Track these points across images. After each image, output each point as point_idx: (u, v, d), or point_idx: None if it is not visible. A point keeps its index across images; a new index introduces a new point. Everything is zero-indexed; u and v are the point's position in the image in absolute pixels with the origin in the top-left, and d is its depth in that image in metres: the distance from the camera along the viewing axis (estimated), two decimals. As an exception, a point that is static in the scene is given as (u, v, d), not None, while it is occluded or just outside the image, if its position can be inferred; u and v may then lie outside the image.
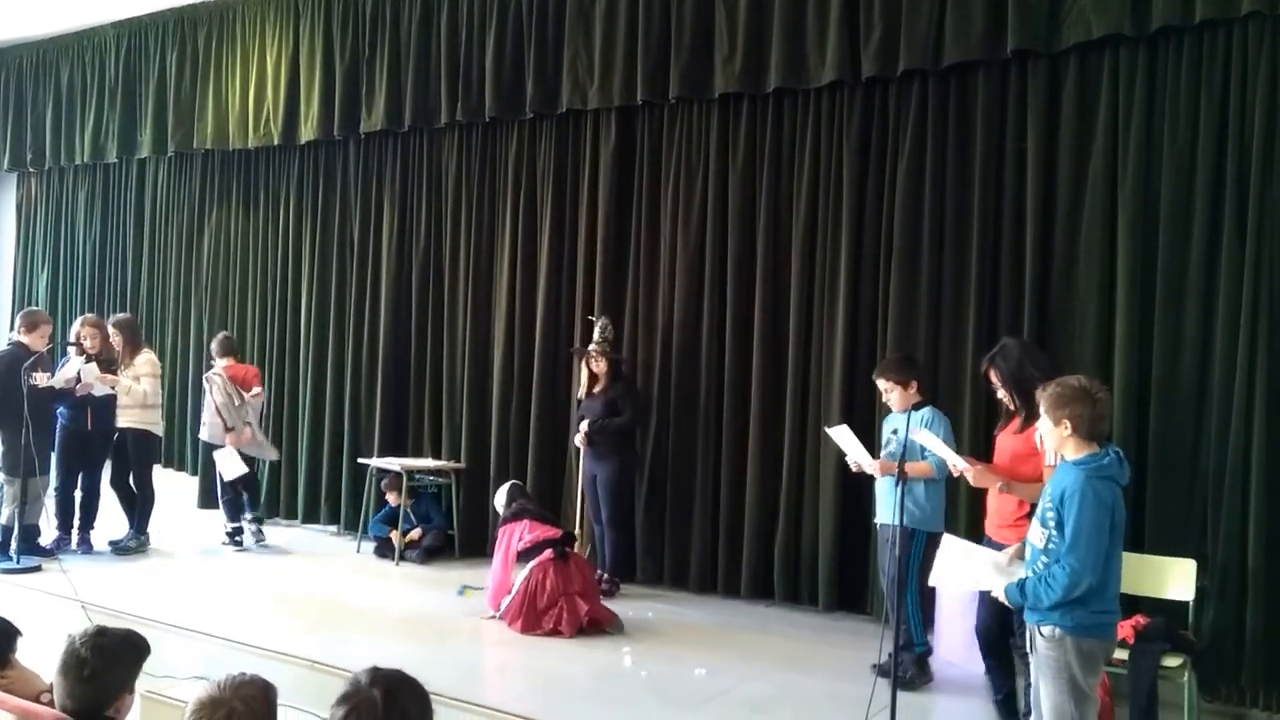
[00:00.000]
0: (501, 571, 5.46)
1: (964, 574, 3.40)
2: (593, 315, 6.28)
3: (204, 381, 7.07)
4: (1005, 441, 3.95)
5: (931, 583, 3.55)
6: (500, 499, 5.89)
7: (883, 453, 4.52)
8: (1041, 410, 3.14)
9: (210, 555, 6.81)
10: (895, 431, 4.11)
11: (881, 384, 4.51)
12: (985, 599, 3.99)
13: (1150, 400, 4.69)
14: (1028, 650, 3.69)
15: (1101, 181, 4.85)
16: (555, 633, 5.15)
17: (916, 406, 4.40)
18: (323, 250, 7.74)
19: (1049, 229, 5.02)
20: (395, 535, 6.74)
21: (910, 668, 4.44)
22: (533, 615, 5.21)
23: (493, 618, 5.37)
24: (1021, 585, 3.11)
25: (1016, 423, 3.94)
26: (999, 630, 3.96)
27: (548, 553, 5.32)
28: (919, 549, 4.35)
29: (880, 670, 4.28)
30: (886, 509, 4.42)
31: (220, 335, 7.26)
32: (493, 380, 6.87)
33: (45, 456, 6.32)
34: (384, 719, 1.88)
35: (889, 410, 4.64)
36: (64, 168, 9.46)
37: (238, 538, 6.95)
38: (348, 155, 7.62)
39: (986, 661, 4.05)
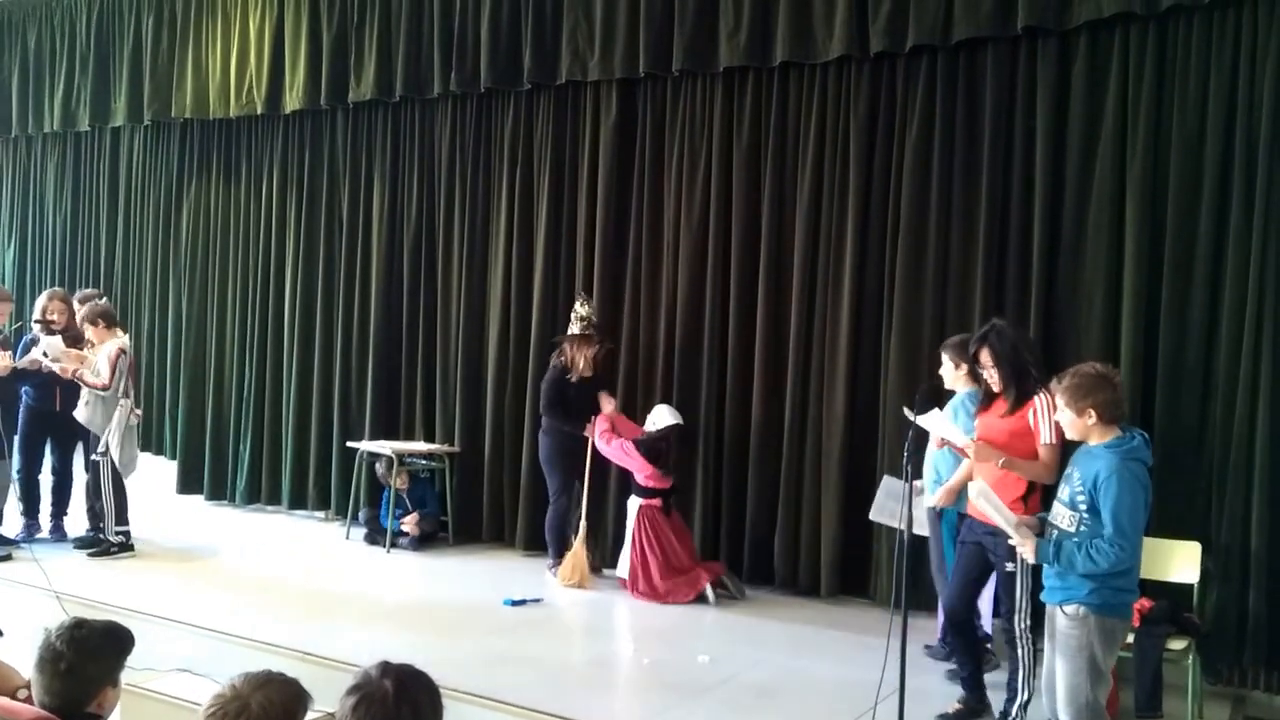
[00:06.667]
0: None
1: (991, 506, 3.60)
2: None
3: (121, 351, 6.37)
4: (992, 423, 4.14)
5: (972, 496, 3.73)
6: (664, 420, 6.02)
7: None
8: (1060, 402, 3.37)
9: (192, 543, 6.95)
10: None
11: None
12: (958, 577, 4.28)
13: (1156, 381, 4.98)
14: (1017, 633, 3.99)
15: (1110, 161, 5.12)
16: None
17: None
18: (309, 225, 7.89)
19: (1057, 209, 5.27)
20: (407, 522, 6.93)
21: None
22: (670, 574, 5.82)
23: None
24: (1057, 546, 3.32)
25: (1002, 404, 4.13)
26: (966, 609, 4.28)
27: (656, 501, 5.89)
28: None
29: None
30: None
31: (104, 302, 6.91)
32: (488, 361, 7.08)
33: (10, 440, 6.43)
34: (394, 710, 1.96)
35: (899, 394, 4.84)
36: (32, 136, 9.56)
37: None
38: (335, 126, 7.77)
39: (952, 641, 4.34)
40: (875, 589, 5.78)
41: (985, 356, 4.12)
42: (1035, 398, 4.07)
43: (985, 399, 4.25)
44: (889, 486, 4.99)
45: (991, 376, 4.13)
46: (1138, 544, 3.28)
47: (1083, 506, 3.30)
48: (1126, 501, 3.21)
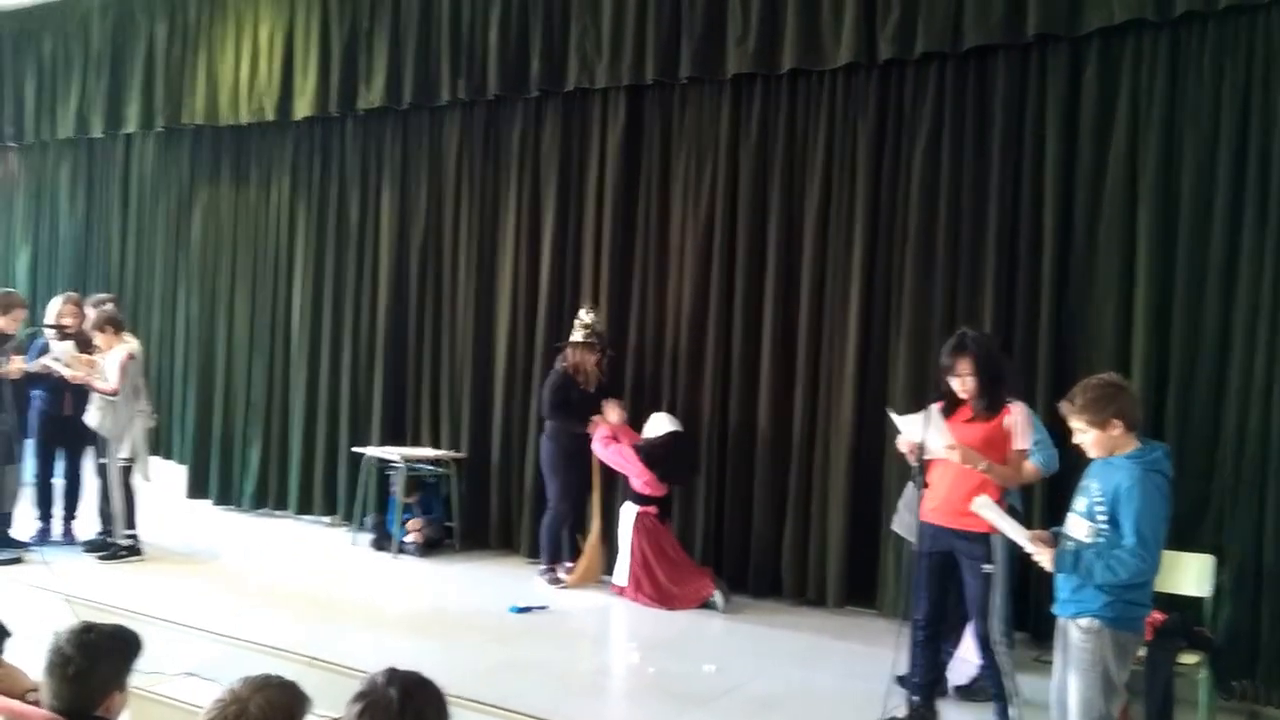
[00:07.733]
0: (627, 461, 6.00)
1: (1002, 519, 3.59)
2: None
3: (130, 356, 6.42)
4: (960, 430, 4.08)
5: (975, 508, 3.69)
6: (662, 428, 6.01)
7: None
8: (1081, 423, 3.31)
9: (200, 547, 6.99)
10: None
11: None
12: (930, 593, 4.17)
13: (1168, 393, 4.95)
14: (994, 637, 3.95)
15: (1122, 169, 5.10)
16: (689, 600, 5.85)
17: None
18: (318, 231, 7.96)
19: (1068, 218, 5.25)
20: (411, 528, 6.95)
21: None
22: (677, 579, 5.87)
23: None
24: (1076, 555, 3.28)
25: (967, 411, 4.12)
26: (941, 620, 4.22)
27: (652, 508, 5.92)
28: None
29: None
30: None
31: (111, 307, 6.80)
32: (496, 367, 7.12)
33: (22, 444, 6.49)
34: (399, 717, 1.96)
35: (907, 403, 4.83)
36: (45, 142, 9.64)
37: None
38: (345, 132, 7.84)
39: (915, 649, 4.20)
40: (882, 600, 5.75)
41: (964, 365, 4.10)
42: (1013, 404, 4.09)
43: (949, 406, 4.20)
44: (910, 498, 4.88)
45: (966, 384, 4.11)
46: (1158, 556, 3.27)
47: (1101, 518, 3.28)
48: (1149, 512, 3.21)
